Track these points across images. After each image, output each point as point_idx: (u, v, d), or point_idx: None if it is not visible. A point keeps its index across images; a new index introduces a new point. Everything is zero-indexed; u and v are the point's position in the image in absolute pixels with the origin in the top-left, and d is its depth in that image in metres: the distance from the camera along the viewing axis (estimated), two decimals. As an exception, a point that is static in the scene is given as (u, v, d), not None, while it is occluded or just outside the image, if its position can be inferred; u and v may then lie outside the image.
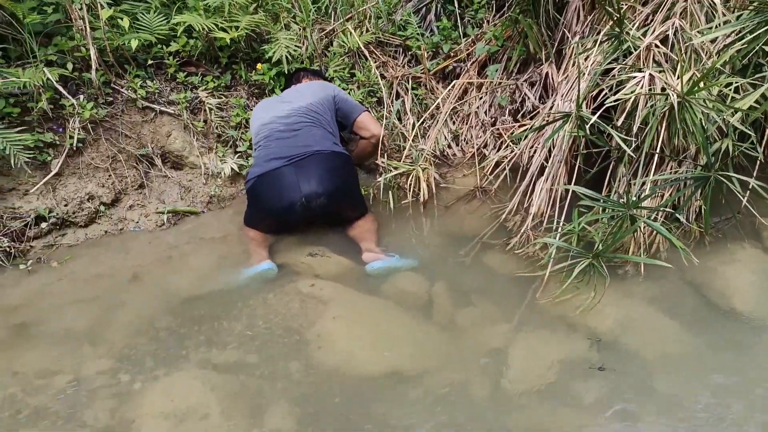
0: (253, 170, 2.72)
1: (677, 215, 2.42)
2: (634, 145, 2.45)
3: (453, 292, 2.41)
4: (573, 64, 3.14)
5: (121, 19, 3.07)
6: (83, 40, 3.02)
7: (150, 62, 3.27)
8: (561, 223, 2.46)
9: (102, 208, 2.95)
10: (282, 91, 3.29)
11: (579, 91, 2.47)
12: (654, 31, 2.61)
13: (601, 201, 2.27)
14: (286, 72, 3.33)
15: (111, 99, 3.13)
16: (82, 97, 3.01)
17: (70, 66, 3.01)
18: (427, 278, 2.47)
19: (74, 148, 2.94)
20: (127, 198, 3.05)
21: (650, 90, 2.34)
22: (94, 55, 3.01)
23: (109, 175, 3.01)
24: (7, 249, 2.66)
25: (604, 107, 2.49)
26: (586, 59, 2.83)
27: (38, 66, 2.88)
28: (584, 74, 2.72)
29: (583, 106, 2.69)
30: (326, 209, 2.66)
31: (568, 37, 3.30)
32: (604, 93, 2.66)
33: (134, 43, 3.05)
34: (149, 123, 3.19)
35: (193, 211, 3.12)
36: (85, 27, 2.97)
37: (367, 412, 1.90)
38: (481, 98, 3.66)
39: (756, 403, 1.83)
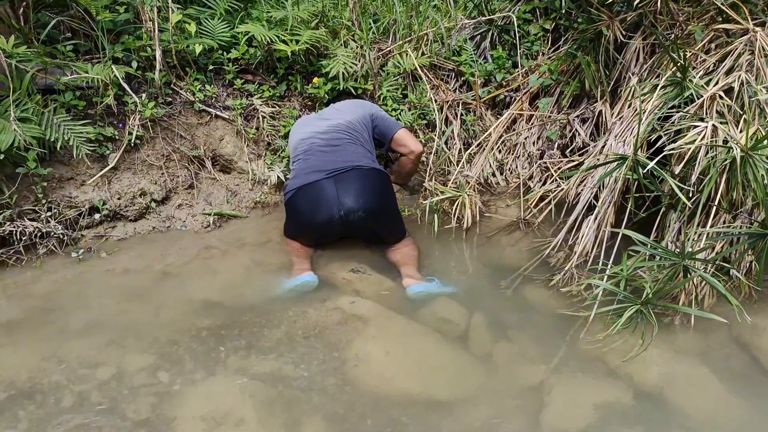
0: (292, 182, 2.75)
1: (731, 269, 2.37)
2: (689, 195, 2.42)
3: (491, 324, 2.39)
4: (629, 106, 3.13)
5: (188, 24, 3.16)
6: (150, 40, 3.11)
7: (210, 67, 3.36)
8: (609, 265, 2.43)
9: (152, 204, 3.02)
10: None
11: (638, 133, 2.45)
12: (718, 81, 2.59)
13: (653, 247, 2.24)
14: (341, 88, 3.38)
15: (170, 100, 3.22)
16: (144, 95, 3.10)
17: (135, 64, 3.11)
18: (466, 307, 2.46)
19: (132, 144, 3.03)
20: (176, 197, 3.12)
21: (713, 141, 2.32)
22: (159, 55, 3.10)
23: (162, 173, 3.09)
24: (61, 236, 2.74)
25: (662, 154, 2.46)
26: (644, 102, 2.82)
27: (106, 62, 2.98)
28: (642, 117, 2.70)
29: (639, 149, 2.67)
30: (364, 224, 2.67)
31: (625, 77, 3.29)
32: (660, 139, 2.64)
33: (198, 48, 3.13)
34: (204, 126, 3.27)
35: (238, 215, 3.17)
36: (154, 28, 3.07)
37: (399, 436, 1.90)
38: (530, 129, 3.67)
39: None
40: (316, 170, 2.70)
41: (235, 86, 3.38)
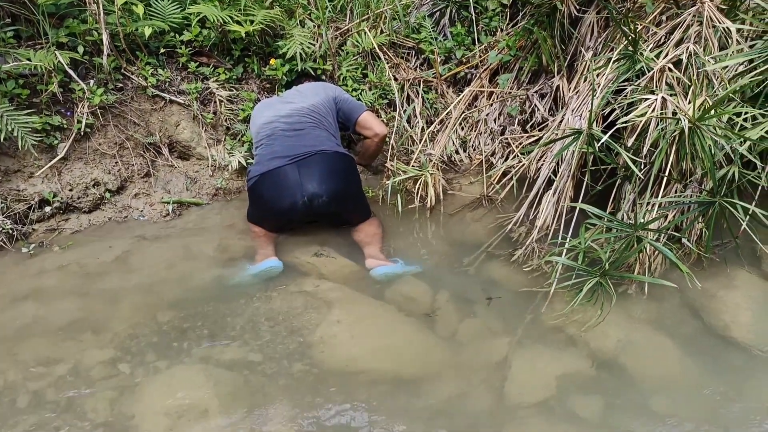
0: (254, 168, 2.71)
1: (682, 238, 2.44)
2: (642, 166, 2.48)
3: (456, 301, 2.42)
4: (584, 80, 3.16)
5: (136, 5, 3.05)
6: (96, 24, 2.99)
7: (162, 50, 3.25)
8: (567, 239, 2.48)
9: (107, 194, 2.94)
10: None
11: (592, 108, 2.49)
12: (668, 54, 2.63)
13: (609, 220, 2.29)
14: (299, 69, 3.32)
15: (121, 85, 3.12)
16: (92, 81, 2.99)
17: (81, 50, 2.99)
18: (430, 286, 2.49)
19: (82, 133, 2.92)
20: (132, 186, 3.04)
21: (662, 113, 2.36)
22: (106, 39, 2.99)
23: (116, 162, 3.00)
24: (10, 231, 2.65)
25: (615, 127, 2.50)
26: (598, 76, 2.85)
27: (50, 48, 2.85)
28: (596, 91, 2.73)
29: (594, 123, 2.72)
30: (328, 209, 2.66)
31: (580, 52, 3.32)
32: (614, 112, 2.69)
33: (148, 31, 3.03)
34: (158, 111, 3.18)
35: (198, 203, 3.11)
36: (99, 11, 2.95)
37: (366, 417, 1.92)
38: (491, 106, 3.68)
39: (751, 429, 1.86)
40: (279, 156, 2.66)
41: (189, 69, 3.29)
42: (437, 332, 2.29)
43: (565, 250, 2.41)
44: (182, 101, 3.21)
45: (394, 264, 2.58)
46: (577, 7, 3.18)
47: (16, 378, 1.95)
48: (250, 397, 1.94)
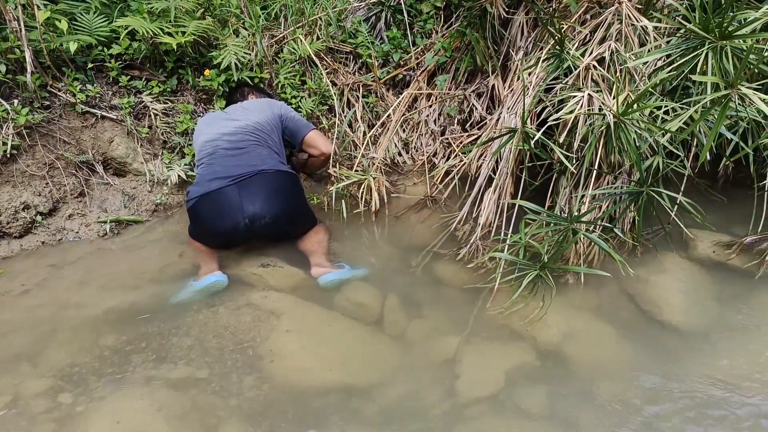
0: (194, 189, 2.65)
1: (614, 228, 2.55)
2: (574, 161, 2.58)
3: (404, 303, 2.45)
4: (518, 79, 3.26)
5: (59, 21, 2.94)
6: (17, 41, 2.87)
7: (90, 65, 3.15)
8: (509, 235, 2.55)
9: (38, 217, 2.82)
10: (225, 104, 3.23)
11: (524, 107, 2.57)
12: (592, 52, 2.75)
13: (545, 215, 2.37)
14: (235, 80, 3.28)
15: (47, 103, 3.00)
16: (16, 101, 2.87)
17: (3, 68, 2.86)
18: (379, 290, 2.50)
19: (8, 156, 2.79)
20: (66, 207, 2.92)
21: (589, 109, 2.47)
22: (29, 57, 2.87)
23: (47, 183, 2.88)
24: (-66, 262, 2.51)
25: (547, 124, 2.59)
26: (530, 75, 2.94)
27: (-32, 68, 2.72)
28: (528, 90, 2.82)
29: (528, 121, 2.81)
30: (271, 230, 2.63)
31: (512, 52, 3.42)
32: (547, 109, 2.78)
33: (73, 46, 2.92)
34: (90, 128, 3.07)
35: (138, 220, 3.03)
36: (20, 28, 2.83)
37: (320, 427, 1.92)
38: (430, 107, 3.74)
39: (684, 409, 1.96)
40: (219, 177, 2.61)
41: (120, 84, 3.19)
42: (387, 335, 2.32)
43: (506, 246, 2.48)
44: (115, 116, 3.12)
45: (340, 270, 2.58)
46: (506, 9, 3.27)
47: (-53, 418, 1.86)
48: (200, 418, 1.91)
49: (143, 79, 3.27)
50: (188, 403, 1.95)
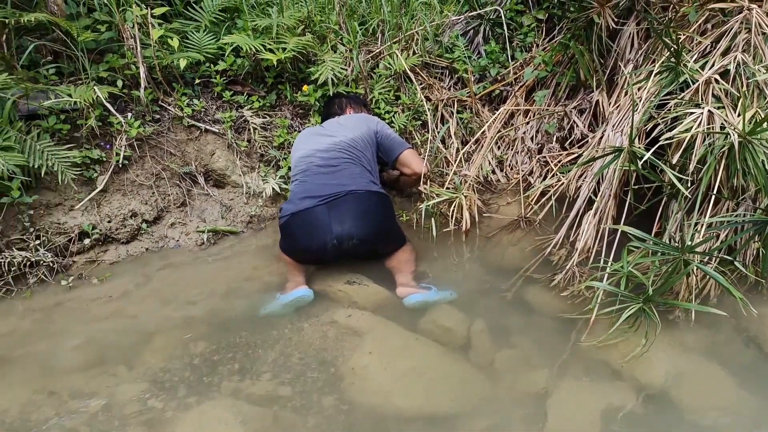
0: (286, 206, 2.68)
1: (734, 261, 2.28)
2: (689, 184, 2.34)
3: (493, 330, 2.32)
4: (625, 94, 3.03)
5: (171, 38, 3.12)
6: (133, 58, 3.08)
7: (197, 80, 3.32)
8: (609, 262, 2.35)
9: (144, 225, 2.99)
10: (322, 116, 3.27)
11: (632, 124, 2.36)
12: (714, 64, 2.49)
13: (652, 243, 2.16)
14: (331, 94, 3.33)
15: (158, 117, 3.18)
16: (129, 114, 3.07)
17: (120, 83, 3.07)
18: (466, 314, 2.39)
19: (120, 165, 2.99)
20: (169, 216, 3.08)
21: (709, 127, 2.22)
22: (143, 73, 3.07)
23: (153, 193, 3.05)
24: (51, 264, 2.71)
25: (659, 143, 2.37)
26: (639, 90, 2.72)
27: (89, 84, 2.94)
28: (637, 106, 2.61)
29: (636, 140, 2.59)
30: (359, 250, 2.61)
31: (620, 66, 3.20)
32: (658, 127, 2.55)
33: (183, 63, 3.09)
34: (194, 141, 3.23)
35: (233, 231, 3.13)
36: (136, 45, 3.03)
37: (399, 455, 1.84)
38: (528, 123, 3.58)
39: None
40: (310, 196, 2.62)
41: (224, 98, 3.33)
42: (473, 363, 2.20)
43: (606, 275, 2.28)
44: (217, 130, 3.26)
45: (427, 291, 2.50)
46: (615, 20, 3.06)
47: (50, 413, 1.97)
48: (280, 434, 1.90)
49: (245, 94, 3.39)
50: (270, 419, 1.95)
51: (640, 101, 2.64)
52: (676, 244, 2.15)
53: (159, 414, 1.97)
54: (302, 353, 2.23)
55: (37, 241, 2.72)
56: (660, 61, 2.68)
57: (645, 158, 2.28)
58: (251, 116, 3.34)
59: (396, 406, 1.99)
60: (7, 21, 2.78)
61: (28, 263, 2.68)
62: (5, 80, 2.68)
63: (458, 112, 3.61)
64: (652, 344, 2.06)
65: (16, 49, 2.93)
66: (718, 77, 2.42)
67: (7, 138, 2.64)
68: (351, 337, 2.27)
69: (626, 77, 3.00)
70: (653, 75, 2.65)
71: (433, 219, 2.98)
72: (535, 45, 3.73)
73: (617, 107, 3.02)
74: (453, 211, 2.99)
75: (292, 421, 1.94)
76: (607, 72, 3.26)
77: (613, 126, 2.91)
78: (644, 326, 2.10)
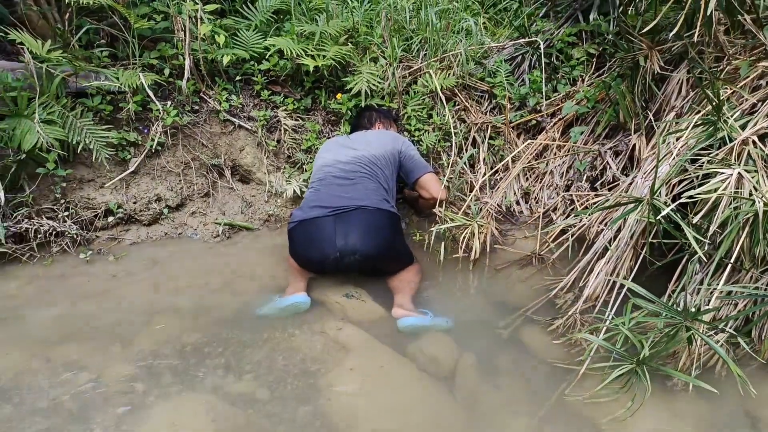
0: (297, 213, 2.71)
1: (738, 337, 2.16)
2: (708, 248, 2.23)
3: (481, 366, 2.28)
4: (663, 142, 2.92)
5: (218, 34, 3.22)
6: (183, 49, 3.20)
7: (239, 77, 3.41)
8: (611, 315, 2.27)
9: (166, 210, 3.10)
10: (351, 126, 3.29)
11: (655, 175, 2.27)
12: (756, 124, 2.37)
13: (656, 304, 2.07)
14: (362, 104, 3.35)
15: (197, 108, 3.29)
16: (169, 102, 3.19)
17: (167, 72, 3.20)
18: (457, 345, 2.36)
19: (153, 150, 3.11)
20: (191, 204, 3.18)
21: (736, 192, 2.11)
22: (188, 64, 3.18)
23: (180, 180, 3.16)
24: (75, 236, 2.85)
25: (680, 200, 2.27)
26: (677, 140, 2.62)
27: (135, 70, 3.08)
28: (665, 158, 2.51)
29: (663, 191, 2.48)
30: (360, 265, 2.61)
31: (664, 111, 3.08)
32: (689, 182, 2.44)
33: (226, 59, 3.19)
34: (226, 135, 3.32)
35: (249, 227, 3.20)
36: (186, 38, 3.15)
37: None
38: (561, 159, 3.50)
39: None
40: (320, 206, 2.65)
41: (261, 97, 3.41)
42: (454, 397, 2.16)
43: (604, 329, 2.20)
44: (250, 127, 3.34)
45: (422, 315, 2.48)
46: (661, 65, 2.95)
47: (43, 382, 2.07)
48: (248, 437, 1.93)
49: (282, 95, 3.47)
50: (242, 420, 1.98)
51: (674, 151, 2.54)
52: (680, 309, 2.05)
53: (141, 398, 2.04)
54: (287, 359, 2.25)
55: (66, 213, 2.87)
56: (701, 113, 2.57)
57: (663, 213, 2.20)
58: (284, 117, 3.41)
59: (366, 429, 1.98)
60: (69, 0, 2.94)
61: (54, 232, 2.82)
62: (58, 57, 2.84)
63: (491, 138, 3.56)
64: (640, 408, 1.97)
65: (76, 29, 3.09)
66: (756, 139, 2.29)
67: (52, 112, 2.79)
68: (336, 351, 2.28)
69: (665, 125, 2.89)
70: (692, 126, 2.55)
71: (443, 243, 2.95)
72: (580, 79, 3.64)
73: (653, 153, 2.91)
74: (464, 237, 2.96)
75: (262, 426, 1.96)
76: (650, 116, 3.14)
77: (644, 174, 2.80)
78: (634, 387, 2.01)
